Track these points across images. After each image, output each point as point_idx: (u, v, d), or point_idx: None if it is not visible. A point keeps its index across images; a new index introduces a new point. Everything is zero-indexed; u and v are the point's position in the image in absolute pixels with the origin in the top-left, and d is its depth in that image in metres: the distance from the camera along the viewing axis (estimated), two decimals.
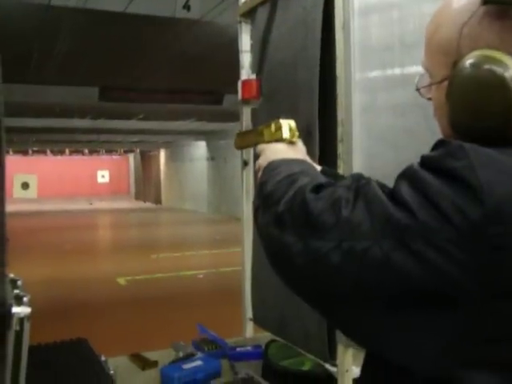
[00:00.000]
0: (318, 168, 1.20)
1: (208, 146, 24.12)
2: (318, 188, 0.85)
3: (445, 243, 0.69)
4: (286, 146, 1.21)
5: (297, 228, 0.82)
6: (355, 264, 0.74)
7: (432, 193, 0.71)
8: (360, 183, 0.81)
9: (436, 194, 0.71)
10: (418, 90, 0.97)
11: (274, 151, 1.17)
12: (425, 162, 0.77)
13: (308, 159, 1.20)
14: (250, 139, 1.38)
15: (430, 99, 0.94)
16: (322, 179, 0.95)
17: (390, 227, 0.73)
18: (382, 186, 0.79)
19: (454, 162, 0.72)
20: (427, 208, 0.71)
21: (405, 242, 0.71)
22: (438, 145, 0.78)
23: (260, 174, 1.11)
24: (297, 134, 1.24)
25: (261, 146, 1.24)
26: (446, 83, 0.85)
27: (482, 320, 0.70)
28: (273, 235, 0.87)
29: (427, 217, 0.70)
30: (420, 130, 1.72)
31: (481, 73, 0.79)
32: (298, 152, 1.20)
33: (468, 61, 0.81)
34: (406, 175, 0.77)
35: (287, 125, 1.23)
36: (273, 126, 1.24)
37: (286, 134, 1.22)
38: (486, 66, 0.78)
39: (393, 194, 0.76)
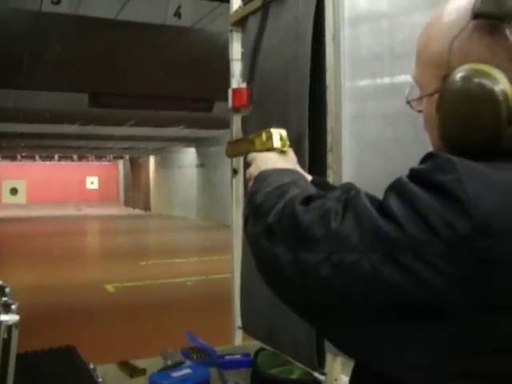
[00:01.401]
0: (309, 178, 1.20)
1: (198, 152, 24.10)
2: (307, 200, 0.85)
3: (433, 256, 0.69)
4: (277, 155, 1.21)
5: (286, 240, 0.83)
6: (344, 276, 0.75)
7: (421, 206, 0.72)
8: (349, 195, 0.81)
9: (425, 207, 0.72)
10: (408, 102, 0.97)
11: (265, 160, 1.18)
12: (414, 175, 0.77)
13: (299, 169, 1.20)
14: (241, 148, 1.38)
15: (420, 111, 0.95)
16: (312, 190, 0.96)
17: (379, 240, 0.73)
18: (372, 198, 0.80)
19: (442, 176, 0.73)
20: (416, 221, 0.71)
21: (393, 255, 0.72)
22: (426, 158, 0.79)
23: (251, 183, 1.11)
24: (288, 143, 1.25)
25: (252, 155, 1.24)
26: (436, 96, 0.86)
27: (471, 333, 0.71)
28: (262, 246, 0.88)
29: (416, 230, 0.71)
30: (409, 140, 1.73)
31: (471, 86, 0.79)
32: (289, 161, 1.21)
33: (458, 74, 0.81)
34: (395, 188, 0.77)
35: (278, 134, 1.24)
36: (264, 135, 1.24)
37: (276, 143, 1.23)
38: (476, 80, 0.79)
39: (382, 207, 0.76)
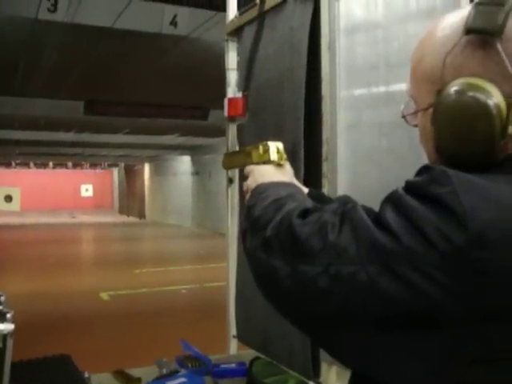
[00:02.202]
0: (305, 190, 1.21)
1: (192, 160, 24.10)
2: (304, 213, 0.86)
3: (429, 267, 0.70)
4: (273, 168, 1.22)
5: (284, 253, 0.84)
6: (342, 288, 0.75)
7: (417, 218, 0.73)
8: (346, 208, 0.82)
9: (421, 219, 0.72)
10: (403, 117, 0.98)
11: (262, 173, 1.18)
12: (409, 187, 0.78)
13: (295, 182, 1.21)
14: (237, 160, 1.39)
15: (415, 126, 0.96)
16: (309, 204, 0.96)
17: (376, 251, 0.74)
18: (368, 210, 0.80)
19: (438, 188, 0.74)
20: (412, 233, 0.72)
21: (390, 266, 0.72)
22: (422, 170, 0.79)
23: (248, 196, 1.12)
24: (284, 156, 1.26)
25: (249, 168, 1.25)
26: (431, 110, 0.87)
27: (467, 343, 0.71)
28: (260, 259, 0.89)
29: (412, 242, 0.72)
30: (404, 150, 1.74)
31: (465, 100, 0.81)
32: (286, 174, 1.22)
33: (452, 88, 0.82)
34: (391, 200, 0.78)
35: (275, 147, 1.25)
36: (261, 148, 1.25)
37: (273, 156, 1.24)
38: (470, 94, 0.80)
39: (378, 219, 0.77)
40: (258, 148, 1.26)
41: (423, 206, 0.73)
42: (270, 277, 0.85)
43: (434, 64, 0.88)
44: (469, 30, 0.83)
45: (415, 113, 0.95)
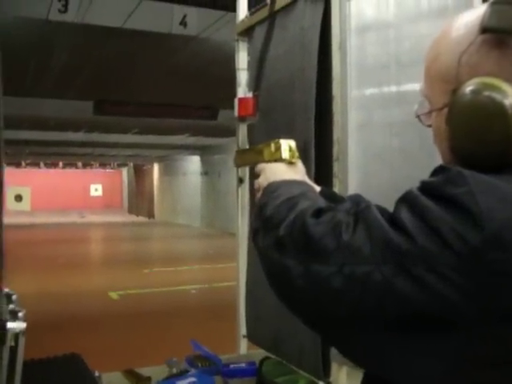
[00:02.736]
0: (317, 189, 1.20)
1: (202, 160, 24.13)
2: (318, 212, 0.86)
3: (445, 268, 0.70)
4: (285, 166, 1.21)
5: (297, 252, 0.83)
6: (356, 288, 0.75)
7: (432, 218, 0.73)
8: (360, 207, 0.82)
9: (436, 219, 0.72)
10: (417, 116, 0.97)
11: (274, 171, 1.18)
12: (425, 187, 0.78)
13: (307, 180, 1.21)
14: (249, 158, 1.38)
15: (429, 126, 0.95)
16: (322, 203, 0.96)
17: (390, 251, 0.74)
18: (382, 210, 0.80)
19: (454, 189, 0.73)
20: (427, 233, 0.72)
21: (405, 266, 0.72)
22: (437, 171, 0.79)
23: (259, 194, 1.11)
24: (296, 154, 1.24)
25: (260, 166, 1.24)
26: (445, 110, 0.86)
27: (483, 344, 0.71)
28: (273, 258, 0.88)
29: (427, 242, 0.72)
30: (415, 149, 1.73)
31: (480, 99, 0.80)
32: (298, 173, 1.21)
33: (467, 88, 0.82)
34: (406, 200, 0.78)
35: (287, 145, 1.23)
36: (272, 146, 1.24)
37: (285, 154, 1.22)
38: (486, 93, 0.79)
39: (393, 219, 0.77)
40: (269, 146, 1.25)
41: (439, 207, 0.73)
42: (283, 276, 0.85)
43: (448, 63, 0.87)
44: (485, 29, 0.82)
45: (429, 113, 0.94)
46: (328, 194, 1.18)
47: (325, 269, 0.78)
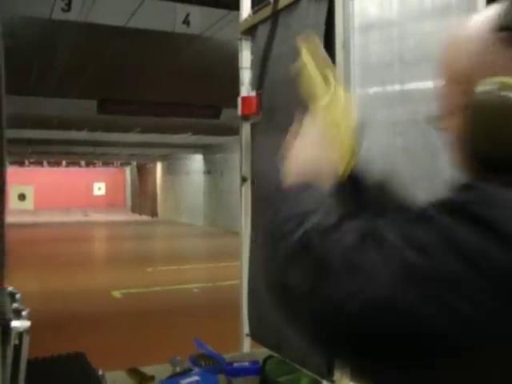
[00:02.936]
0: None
1: (204, 159, 24.13)
2: (329, 230, 0.79)
3: (470, 290, 0.66)
4: (320, 140, 1.04)
5: (306, 271, 0.77)
6: (370, 311, 0.69)
7: (455, 238, 0.68)
8: (373, 226, 0.76)
9: (460, 239, 0.68)
10: (431, 119, 0.95)
11: (305, 146, 1.03)
12: (446, 206, 0.72)
13: (331, 174, 1.02)
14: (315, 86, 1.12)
15: (444, 128, 0.91)
16: (334, 218, 0.83)
17: (408, 273, 0.68)
18: (393, 226, 0.74)
19: (478, 208, 0.69)
20: (450, 254, 0.67)
21: (427, 290, 0.67)
22: (460, 188, 0.75)
23: (275, 195, 0.99)
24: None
25: (303, 128, 1.07)
26: (461, 112, 0.84)
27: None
28: (279, 274, 0.82)
29: (451, 263, 0.67)
30: (418, 148, 1.73)
31: (497, 100, 0.78)
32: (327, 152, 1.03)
33: (484, 88, 0.79)
34: (424, 218, 0.72)
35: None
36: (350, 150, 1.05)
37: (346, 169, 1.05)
38: (503, 93, 0.77)
39: (409, 238, 0.71)
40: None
41: (462, 226, 0.68)
42: (288, 293, 0.79)
43: (464, 63, 0.85)
44: (501, 28, 0.80)
45: (444, 115, 0.91)
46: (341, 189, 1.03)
47: (336, 291, 0.72)
